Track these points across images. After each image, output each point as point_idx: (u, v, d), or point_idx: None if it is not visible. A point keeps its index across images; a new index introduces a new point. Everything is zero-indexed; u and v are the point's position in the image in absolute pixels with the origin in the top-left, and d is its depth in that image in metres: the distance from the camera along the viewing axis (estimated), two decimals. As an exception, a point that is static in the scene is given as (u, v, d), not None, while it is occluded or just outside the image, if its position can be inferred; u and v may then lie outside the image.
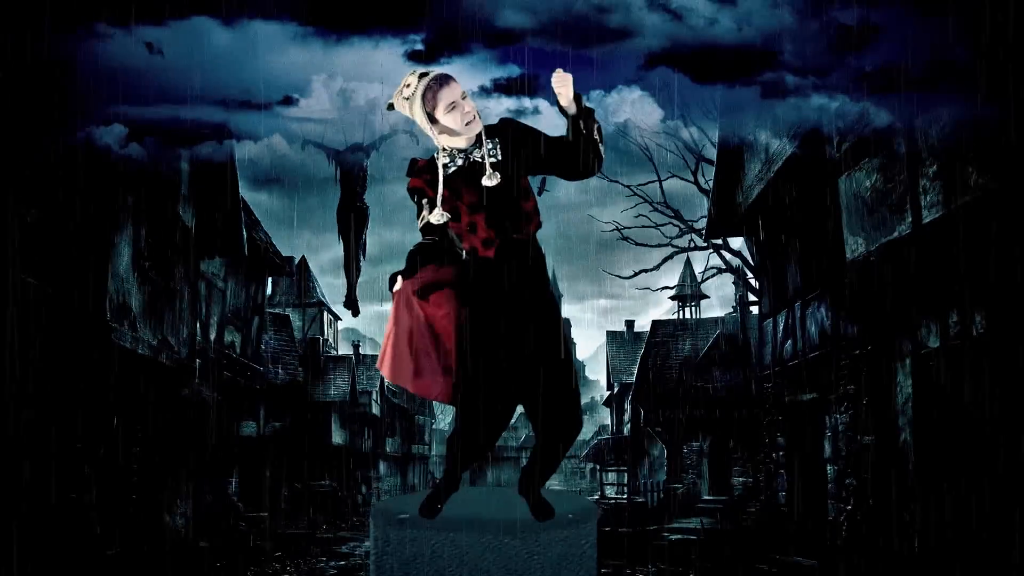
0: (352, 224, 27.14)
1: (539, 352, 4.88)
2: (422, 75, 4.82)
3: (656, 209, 33.82)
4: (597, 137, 4.84)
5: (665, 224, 33.84)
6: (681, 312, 45.61)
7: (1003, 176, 10.88)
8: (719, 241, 30.96)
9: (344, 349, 51.95)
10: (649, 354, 39.65)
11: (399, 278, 4.98)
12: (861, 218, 14.83)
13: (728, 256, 32.62)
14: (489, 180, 4.82)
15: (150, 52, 16.04)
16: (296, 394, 33.99)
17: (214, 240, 21.31)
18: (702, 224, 29.53)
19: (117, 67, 14.71)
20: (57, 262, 13.43)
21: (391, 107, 4.94)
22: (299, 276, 46.48)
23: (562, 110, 4.81)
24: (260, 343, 27.78)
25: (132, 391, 16.00)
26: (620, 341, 49.51)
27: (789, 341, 19.55)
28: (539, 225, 5.01)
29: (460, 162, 4.92)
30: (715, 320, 39.70)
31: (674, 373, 37.74)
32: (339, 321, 52.32)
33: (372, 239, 27.34)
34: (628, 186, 34.26)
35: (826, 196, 16.13)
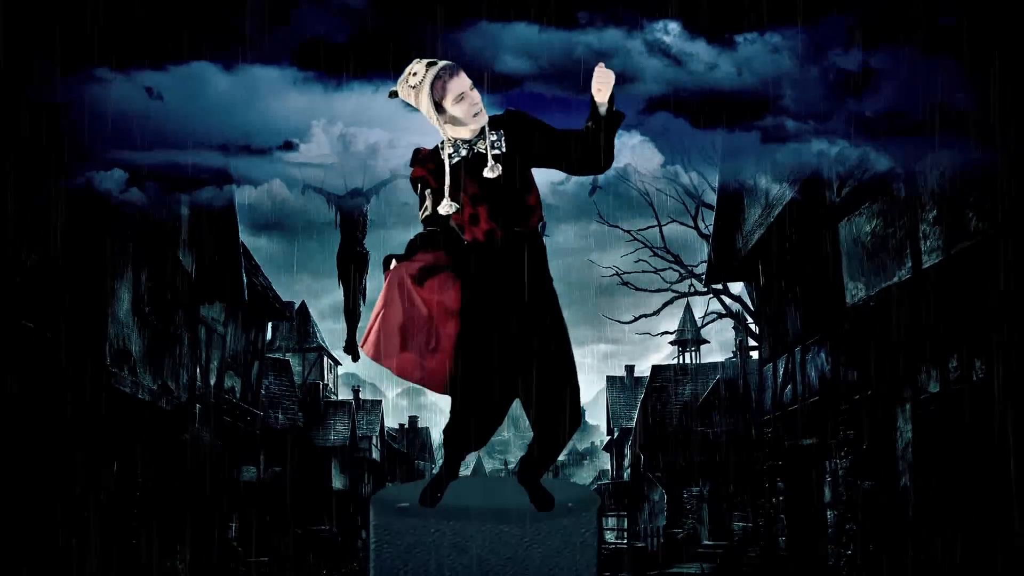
0: (352, 269, 27.23)
1: (538, 344, 4.87)
2: (429, 64, 4.78)
3: (656, 254, 33.85)
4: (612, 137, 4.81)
5: (665, 269, 33.87)
6: (681, 357, 45.62)
7: (1003, 221, 10.88)
8: (719, 286, 30.94)
9: (344, 394, 51.86)
10: (649, 399, 39.67)
11: (393, 260, 4.97)
12: (861, 263, 14.83)
13: (728, 301, 32.62)
14: (490, 172, 4.78)
15: (150, 97, 16.08)
16: (296, 439, 33.94)
17: (214, 285, 21.31)
18: (702, 269, 29.54)
19: (117, 112, 14.75)
20: (57, 307, 13.42)
21: (394, 95, 4.92)
22: (299, 321, 46.49)
23: (593, 106, 4.75)
24: (260, 388, 27.73)
25: (132, 436, 15.95)
26: (620, 386, 49.52)
27: (789, 386, 19.50)
28: (541, 218, 4.99)
29: (464, 153, 4.89)
30: (715, 365, 39.72)
31: (674, 418, 37.76)
32: (339, 366, 52.21)
33: (372, 284, 27.43)
34: (628, 231, 34.33)
35: (826, 241, 16.13)
